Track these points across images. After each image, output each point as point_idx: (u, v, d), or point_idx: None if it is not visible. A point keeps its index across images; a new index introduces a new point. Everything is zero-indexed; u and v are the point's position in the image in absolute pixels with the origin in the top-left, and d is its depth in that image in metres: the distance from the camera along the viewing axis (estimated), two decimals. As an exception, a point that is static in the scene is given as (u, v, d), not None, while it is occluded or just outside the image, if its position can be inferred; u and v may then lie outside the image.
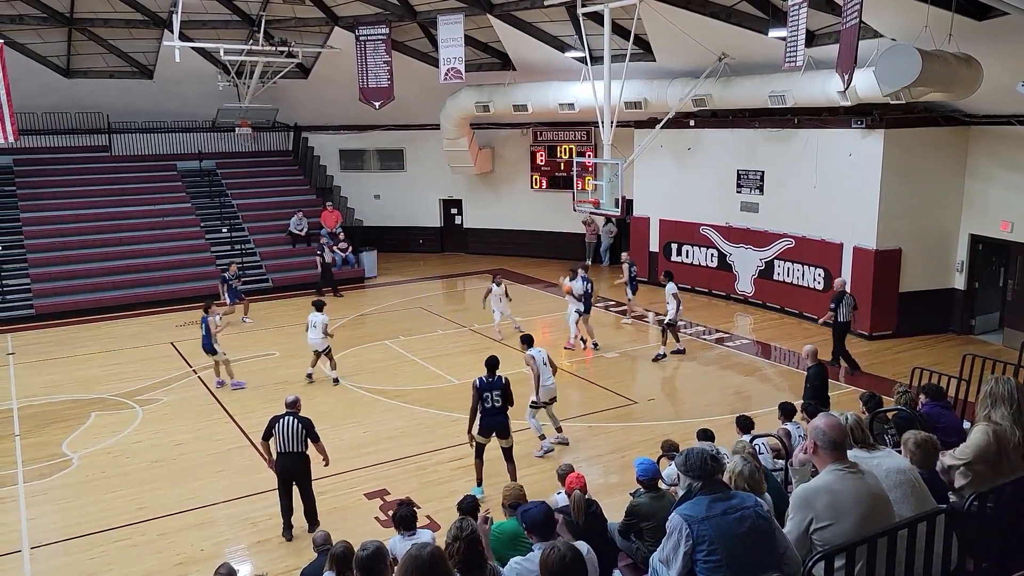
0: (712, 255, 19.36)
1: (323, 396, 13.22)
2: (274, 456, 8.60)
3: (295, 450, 8.52)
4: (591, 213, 21.08)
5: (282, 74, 22.85)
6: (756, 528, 3.70)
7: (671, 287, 14.62)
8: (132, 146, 23.88)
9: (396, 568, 3.52)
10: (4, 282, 19.13)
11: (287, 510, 8.65)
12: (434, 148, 24.25)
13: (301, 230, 22.75)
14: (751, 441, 7.29)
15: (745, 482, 4.69)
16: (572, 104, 19.93)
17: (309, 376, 13.96)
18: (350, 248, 22.68)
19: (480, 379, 9.34)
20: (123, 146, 23.84)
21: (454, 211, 26.44)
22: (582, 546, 4.31)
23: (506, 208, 25.20)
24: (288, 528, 8.65)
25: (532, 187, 24.83)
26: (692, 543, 3.65)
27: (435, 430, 11.63)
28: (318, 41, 22.43)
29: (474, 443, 9.41)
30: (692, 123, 19.25)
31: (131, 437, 11.68)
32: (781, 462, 7.17)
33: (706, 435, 8.17)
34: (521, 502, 6.03)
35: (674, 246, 20.19)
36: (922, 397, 7.52)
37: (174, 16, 19.14)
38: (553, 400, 10.82)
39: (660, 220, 20.46)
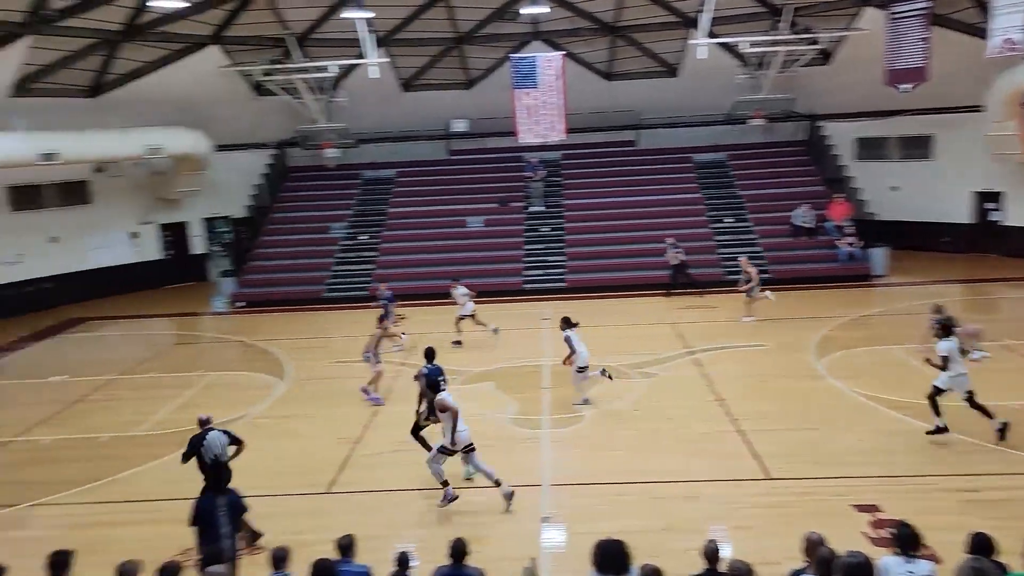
0: None
1: (814, 396, 12.73)
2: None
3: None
4: None
5: (803, 62, 22.34)
6: None
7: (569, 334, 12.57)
8: (656, 140, 26.02)
9: None
10: (547, 259, 22.74)
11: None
12: (970, 134, 21.10)
13: (806, 222, 22.07)
14: None
15: None
16: None
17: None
18: (859, 243, 21.23)
19: (428, 367, 10.19)
20: (649, 140, 26.15)
21: (991, 206, 22.69)
22: None
23: (1066, 204, 20.67)
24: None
25: (1108, 179, 19.90)
26: None
27: (939, 452, 10.28)
28: (844, 24, 21.30)
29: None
30: None
31: (632, 404, 12.87)
32: None
33: None
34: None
35: None
36: None
37: (702, 14, 20.16)
38: (470, 448, 9.55)
39: None
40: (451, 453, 9.55)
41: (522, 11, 21.22)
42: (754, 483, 9.83)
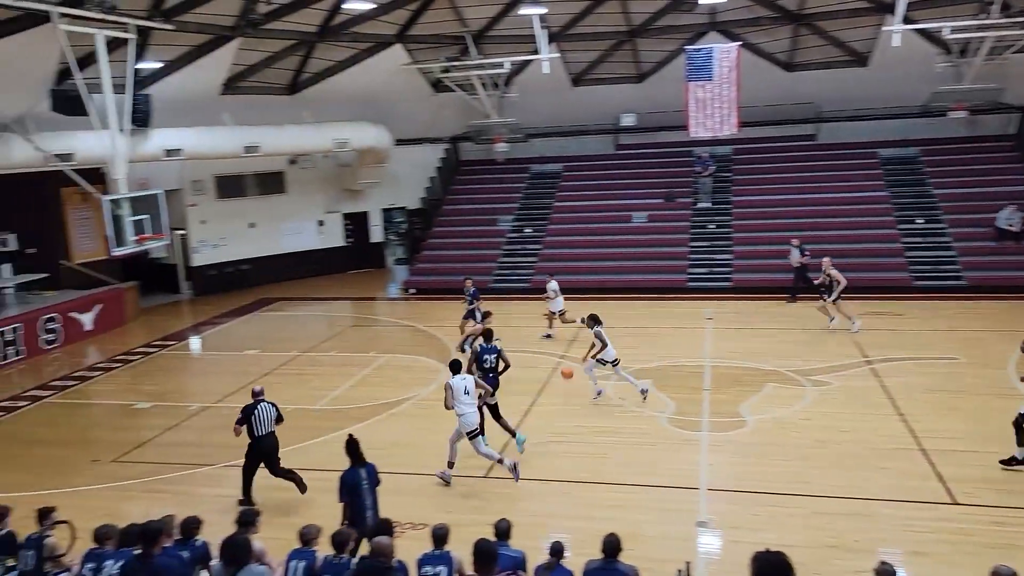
0: None
1: (1012, 418, 11.50)
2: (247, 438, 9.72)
3: (270, 431, 9.69)
4: None
5: (1016, 48, 20.16)
6: None
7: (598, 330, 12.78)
8: (837, 134, 24.49)
9: None
10: (712, 256, 22.07)
11: (250, 486, 9.76)
12: None
13: (1011, 225, 19.95)
14: None
15: None
16: None
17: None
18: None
19: (481, 346, 11.44)
20: (829, 134, 24.67)
21: None
22: None
23: None
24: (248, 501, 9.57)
25: None
26: None
27: None
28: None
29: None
30: None
31: (799, 413, 12.25)
32: None
33: None
34: None
35: None
36: None
37: (899, -1, 18.71)
38: (476, 433, 10.00)
39: None
40: (476, 434, 9.99)
41: (700, 1, 20.65)
42: (936, 507, 9.08)
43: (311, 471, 10.04)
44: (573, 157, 26.57)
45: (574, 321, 17.19)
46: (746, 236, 22.33)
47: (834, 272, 16.53)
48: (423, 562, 6.14)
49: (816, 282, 17.13)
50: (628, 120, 25.88)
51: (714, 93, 21.55)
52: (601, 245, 23.10)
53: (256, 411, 9.63)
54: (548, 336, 17.34)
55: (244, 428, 9.65)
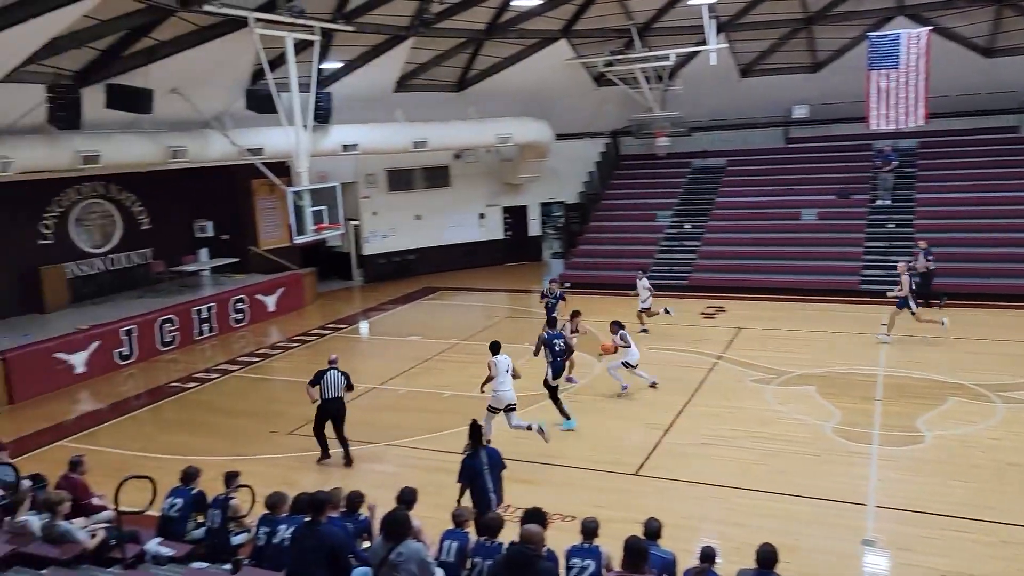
0: None
1: None
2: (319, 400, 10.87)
3: (337, 396, 10.78)
4: None
5: None
6: None
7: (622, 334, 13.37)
8: (1044, 126, 22.06)
9: None
10: (891, 258, 20.47)
11: (324, 441, 10.98)
12: None
13: None
14: None
15: None
16: None
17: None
18: None
19: (547, 332, 12.29)
20: (1034, 126, 22.26)
21: None
22: None
23: None
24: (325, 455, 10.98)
25: None
26: None
27: None
28: None
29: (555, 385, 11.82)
30: None
31: (987, 432, 11.18)
32: None
33: None
34: None
35: None
36: None
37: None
38: (511, 408, 10.78)
39: None
40: (496, 411, 10.83)
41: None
42: None
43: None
44: (738, 151, 25.59)
45: (658, 313, 17.32)
46: (931, 237, 20.55)
47: (906, 279, 15.66)
48: (572, 554, 6.17)
49: (899, 293, 15.73)
50: (800, 112, 24.59)
51: (899, 82, 19.98)
52: (766, 243, 22.11)
53: (326, 376, 10.84)
54: (644, 330, 17.36)
55: (316, 390, 10.81)
